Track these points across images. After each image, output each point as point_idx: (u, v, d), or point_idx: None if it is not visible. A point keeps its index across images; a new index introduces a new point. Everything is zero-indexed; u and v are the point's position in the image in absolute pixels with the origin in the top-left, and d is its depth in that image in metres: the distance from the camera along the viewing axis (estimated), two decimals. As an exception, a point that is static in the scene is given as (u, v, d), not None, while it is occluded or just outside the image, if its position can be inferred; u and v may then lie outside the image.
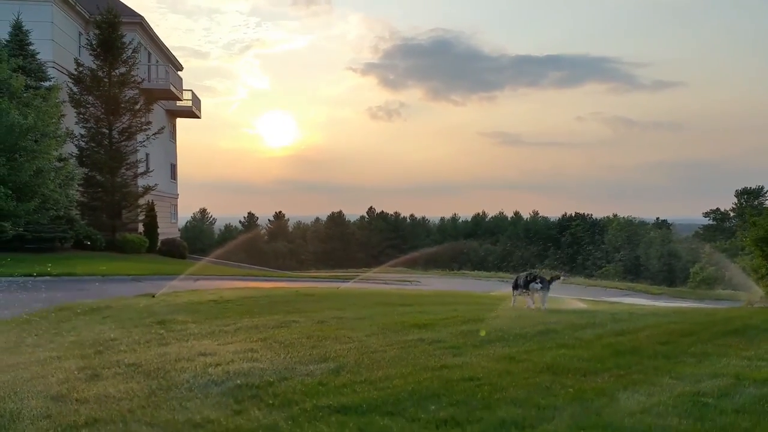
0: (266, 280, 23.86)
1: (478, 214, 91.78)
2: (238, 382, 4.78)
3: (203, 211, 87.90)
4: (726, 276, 34.39)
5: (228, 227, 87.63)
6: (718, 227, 66.34)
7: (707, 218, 69.03)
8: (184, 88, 40.07)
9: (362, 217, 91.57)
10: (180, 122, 45.06)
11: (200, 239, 77.68)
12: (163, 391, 4.54)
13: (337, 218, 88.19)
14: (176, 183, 43.07)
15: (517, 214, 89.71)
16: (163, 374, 5.06)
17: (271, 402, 4.22)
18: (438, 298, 13.46)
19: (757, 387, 4.33)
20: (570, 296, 22.64)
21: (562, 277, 10.26)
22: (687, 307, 10.17)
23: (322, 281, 25.56)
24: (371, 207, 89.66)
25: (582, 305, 11.11)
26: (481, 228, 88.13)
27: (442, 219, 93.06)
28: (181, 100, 39.33)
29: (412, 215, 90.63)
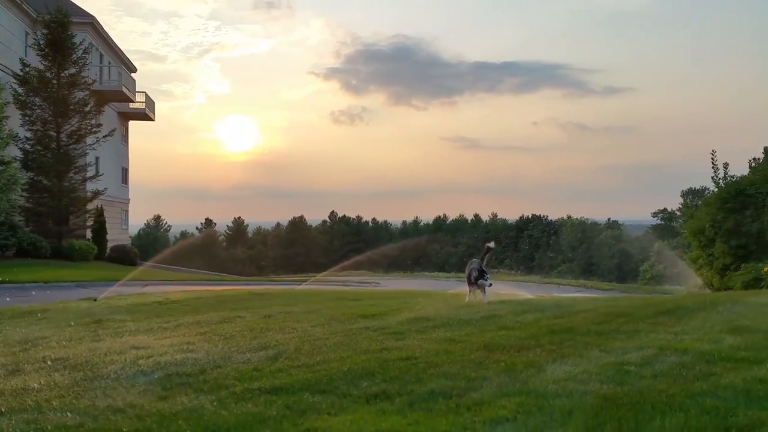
0: (220, 285, 23.50)
1: (440, 216, 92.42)
2: (169, 371, 4.68)
3: (158, 218, 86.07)
4: (674, 272, 35.55)
5: (184, 234, 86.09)
6: (666, 227, 68.45)
7: (656, 218, 71.13)
8: (138, 90, 39.27)
9: (324, 222, 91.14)
10: (135, 126, 44.11)
11: (154, 247, 76.02)
12: (87, 382, 4.41)
13: (298, 223, 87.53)
14: (128, 188, 42.11)
15: (477, 216, 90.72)
16: (90, 367, 4.92)
17: (200, 388, 4.14)
18: (392, 294, 13.48)
19: (677, 355, 4.47)
20: (525, 293, 23.01)
21: (492, 244, 9.42)
22: (622, 297, 10.41)
23: (280, 284, 25.33)
24: (333, 211, 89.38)
25: (530, 296, 11.26)
26: (443, 230, 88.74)
27: (404, 222, 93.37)
28: (134, 102, 38.51)
29: (374, 219, 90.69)
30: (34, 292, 16.87)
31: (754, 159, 13.16)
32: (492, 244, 9.38)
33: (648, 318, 6.42)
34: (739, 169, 13.49)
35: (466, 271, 9.79)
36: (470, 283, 9.59)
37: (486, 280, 9.40)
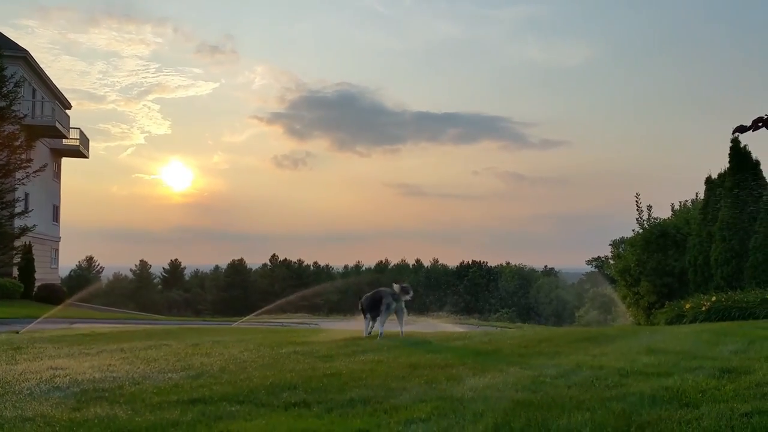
0: (151, 323, 22.73)
1: (381, 261, 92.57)
2: (85, 387, 4.54)
3: (90, 260, 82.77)
4: (608, 318, 36.59)
5: (117, 276, 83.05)
6: (600, 274, 70.69)
7: (590, 265, 73.44)
8: (72, 126, 38.27)
9: (264, 265, 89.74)
10: (69, 164, 42.77)
11: (85, 289, 72.93)
12: (-2, 397, 4.22)
13: (237, 266, 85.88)
14: (59, 226, 40.55)
15: (418, 261, 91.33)
16: (3, 384, 4.71)
17: (116, 400, 4.03)
18: (324, 333, 13.38)
19: (592, 371, 4.65)
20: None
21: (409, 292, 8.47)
22: (553, 331, 10.72)
23: (211, 323, 24.69)
24: (274, 254, 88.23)
25: (461, 329, 11.44)
26: (385, 275, 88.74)
27: (346, 267, 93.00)
28: (67, 138, 37.45)
29: (315, 263, 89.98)
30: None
31: (680, 202, 13.96)
32: (397, 288, 8.58)
33: (570, 343, 6.63)
34: (663, 212, 14.27)
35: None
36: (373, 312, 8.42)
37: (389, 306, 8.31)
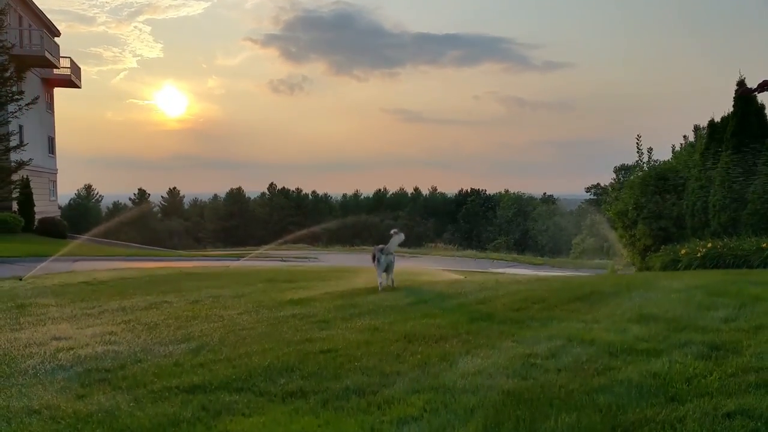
0: (153, 260, 23.03)
1: (380, 190, 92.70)
2: (89, 366, 4.65)
3: (89, 188, 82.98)
4: (604, 245, 37.10)
5: (116, 205, 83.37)
6: (599, 201, 70.98)
7: (589, 193, 73.56)
8: (62, 55, 37.35)
9: (263, 194, 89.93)
10: (61, 92, 42.11)
11: (85, 218, 73.62)
12: (4, 379, 4.34)
13: (236, 195, 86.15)
14: (55, 158, 40.35)
15: (417, 190, 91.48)
16: (8, 361, 4.83)
17: (119, 385, 4.14)
18: (326, 273, 13.57)
19: (583, 347, 4.75)
20: (459, 269, 23.57)
21: (396, 232, 9.06)
22: (548, 276, 10.86)
23: (215, 260, 25.04)
24: (272, 183, 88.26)
25: (458, 277, 11.59)
26: (383, 204, 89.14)
27: (345, 195, 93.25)
28: (58, 68, 36.68)
29: (314, 192, 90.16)
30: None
31: (682, 140, 13.81)
32: (394, 231, 9.21)
33: (563, 304, 6.74)
34: (665, 152, 14.18)
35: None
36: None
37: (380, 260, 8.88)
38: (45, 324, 6.46)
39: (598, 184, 74.34)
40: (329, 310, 6.90)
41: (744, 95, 11.66)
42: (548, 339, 5.06)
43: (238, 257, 25.91)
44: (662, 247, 12.26)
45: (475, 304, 7.07)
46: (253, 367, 4.43)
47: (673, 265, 11.41)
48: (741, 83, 11.84)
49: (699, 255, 10.79)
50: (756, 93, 11.65)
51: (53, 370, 4.58)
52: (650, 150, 13.78)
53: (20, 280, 11.93)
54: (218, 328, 5.97)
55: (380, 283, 8.77)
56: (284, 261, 26.15)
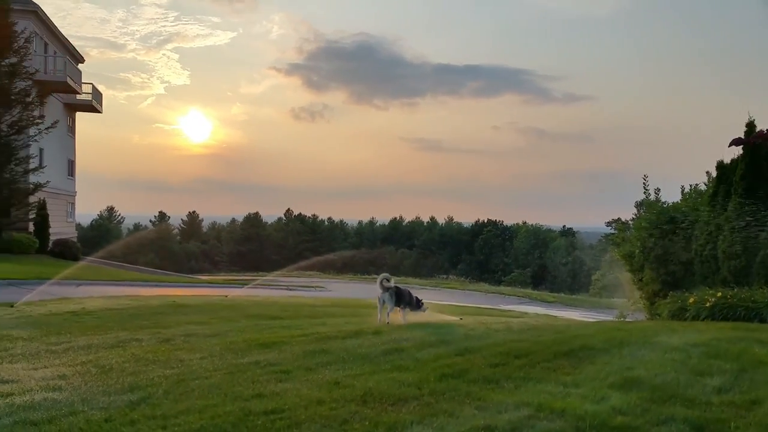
0: (157, 286, 22.91)
1: (396, 218, 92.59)
2: (18, 417, 4.36)
3: (111, 210, 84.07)
4: (624, 282, 36.17)
5: (137, 227, 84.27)
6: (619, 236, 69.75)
7: (609, 227, 72.33)
8: (89, 81, 38.25)
9: (279, 219, 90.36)
10: (88, 116, 42.87)
11: (106, 239, 74.40)
12: None
13: (253, 219, 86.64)
14: (74, 180, 40.85)
15: (432, 219, 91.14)
16: (-65, 410, 4.55)
17: (35, 445, 3.83)
18: (320, 309, 13.23)
19: (550, 420, 4.33)
20: (467, 304, 23.06)
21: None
22: (542, 324, 10.40)
23: (219, 286, 24.84)
24: (289, 209, 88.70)
25: (454, 319, 11.13)
26: (398, 232, 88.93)
27: (360, 222, 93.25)
28: (79, 93, 37.35)
29: (330, 218, 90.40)
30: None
31: (697, 182, 13.31)
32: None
33: (546, 361, 6.29)
34: (673, 194, 13.70)
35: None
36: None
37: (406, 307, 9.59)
38: (2, 362, 6.22)
39: (619, 218, 73.37)
40: (297, 357, 6.54)
41: (734, 146, 11.26)
42: (515, 407, 4.64)
43: (243, 284, 25.69)
44: (670, 293, 11.70)
45: (453, 356, 6.64)
46: (185, 429, 4.09)
47: (680, 313, 10.83)
48: (750, 125, 11.38)
49: (708, 305, 10.22)
50: (734, 146, 11.32)
51: (-23, 422, 4.29)
52: (657, 191, 13.30)
53: (11, 306, 11.80)
54: (171, 375, 5.64)
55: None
56: (290, 290, 25.88)
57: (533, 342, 7.49)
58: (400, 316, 9.94)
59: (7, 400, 4.80)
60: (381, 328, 8.83)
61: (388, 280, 9.75)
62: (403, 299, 9.76)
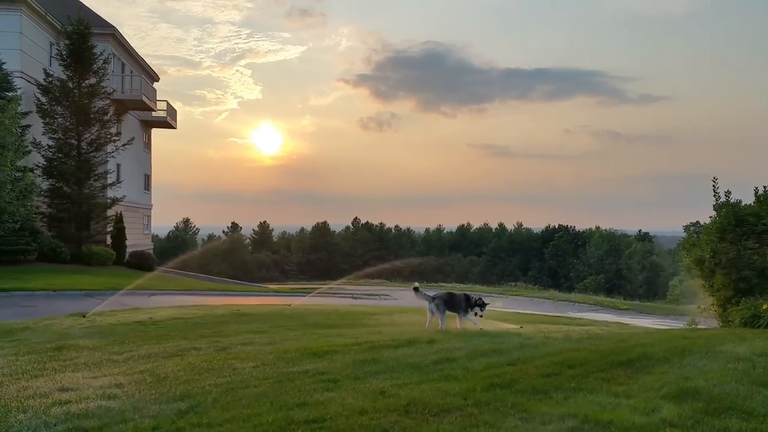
0: (226, 295, 23.60)
1: (463, 225, 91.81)
2: (72, 425, 4.58)
3: (186, 221, 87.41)
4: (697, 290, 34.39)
5: (211, 237, 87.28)
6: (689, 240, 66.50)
7: (686, 232, 69.11)
8: (166, 98, 40.26)
9: (347, 228, 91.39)
10: (164, 132, 44.98)
11: (182, 249, 77.42)
12: (-17, 436, 4.34)
13: (322, 228, 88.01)
14: (150, 194, 42.75)
15: (501, 225, 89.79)
16: (2, 415, 4.86)
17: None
18: (378, 317, 13.27)
19: (593, 433, 4.17)
20: (534, 312, 22.54)
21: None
22: (605, 333, 10.00)
23: (285, 295, 25.33)
24: (356, 217, 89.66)
25: (515, 327, 10.91)
26: (466, 239, 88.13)
27: (427, 230, 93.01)
28: (155, 110, 39.16)
29: (396, 226, 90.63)
30: (37, 302, 17.18)
31: (764, 187, 12.53)
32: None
33: (601, 371, 6.07)
34: (746, 195, 12.91)
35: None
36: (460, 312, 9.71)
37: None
38: (65, 371, 6.55)
39: (698, 221, 69.99)
40: (346, 366, 6.57)
41: None
42: (560, 419, 4.49)
43: (308, 293, 26.10)
44: (743, 299, 11.05)
45: (505, 366, 6.50)
46: (227, 439, 4.18)
47: (753, 321, 10.23)
48: None
49: (783, 312, 9.61)
50: None
51: (37, 427, 4.54)
52: (728, 193, 12.57)
53: (83, 316, 12.43)
54: (222, 384, 5.79)
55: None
56: (355, 298, 26.08)
57: (590, 351, 7.24)
58: (457, 323, 9.85)
59: (64, 408, 5.05)
60: (435, 336, 8.76)
61: (417, 290, 9.83)
62: (456, 305, 9.66)
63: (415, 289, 9.87)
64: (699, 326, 13.11)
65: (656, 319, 24.09)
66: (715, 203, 12.65)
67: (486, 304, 9.83)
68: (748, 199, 12.84)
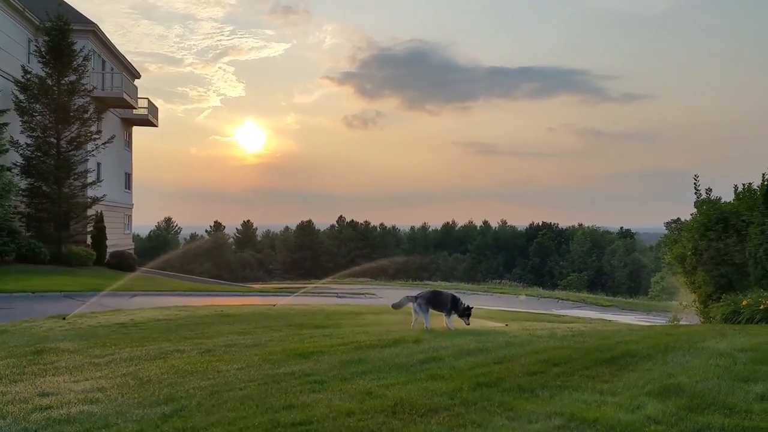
0: (208, 296, 23.41)
1: (448, 223, 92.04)
2: (52, 431, 4.50)
3: (168, 220, 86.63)
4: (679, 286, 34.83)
5: (194, 236, 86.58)
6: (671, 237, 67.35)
7: (668, 228, 69.99)
8: (148, 96, 39.58)
9: (332, 226, 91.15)
10: (146, 130, 44.45)
11: (164, 249, 76.71)
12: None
13: (306, 227, 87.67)
14: (131, 193, 42.27)
15: (486, 223, 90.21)
16: (-21, 420, 4.76)
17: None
18: (365, 316, 13.25)
19: (581, 430, 4.18)
20: (519, 309, 22.67)
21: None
22: (588, 330, 10.06)
23: (269, 295, 25.21)
24: (341, 216, 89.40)
25: (500, 325, 10.94)
26: (451, 237, 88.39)
27: (413, 228, 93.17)
28: (135, 108, 38.69)
29: (382, 224, 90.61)
30: (15, 305, 16.89)
31: (743, 184, 12.71)
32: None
33: (586, 368, 6.10)
34: (726, 192, 13.09)
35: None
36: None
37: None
38: (45, 375, 6.44)
39: (678, 218, 70.83)
40: (333, 366, 6.54)
41: None
42: (547, 417, 4.50)
43: (293, 292, 26.00)
44: (723, 295, 11.21)
45: (491, 364, 6.51)
46: (211, 443, 4.13)
47: (734, 316, 10.37)
48: None
49: (762, 308, 9.75)
50: None
51: (16, 433, 4.46)
52: (709, 191, 12.74)
53: (63, 318, 12.25)
54: (207, 386, 5.72)
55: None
56: (340, 297, 26.02)
57: (575, 349, 7.28)
58: (444, 323, 9.86)
59: (45, 414, 4.96)
60: (421, 336, 8.76)
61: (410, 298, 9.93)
62: (441, 304, 9.67)
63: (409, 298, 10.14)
64: (681, 322, 13.28)
65: (638, 315, 24.35)
66: (696, 200, 12.82)
67: (471, 308, 9.95)
68: (729, 197, 13.04)
